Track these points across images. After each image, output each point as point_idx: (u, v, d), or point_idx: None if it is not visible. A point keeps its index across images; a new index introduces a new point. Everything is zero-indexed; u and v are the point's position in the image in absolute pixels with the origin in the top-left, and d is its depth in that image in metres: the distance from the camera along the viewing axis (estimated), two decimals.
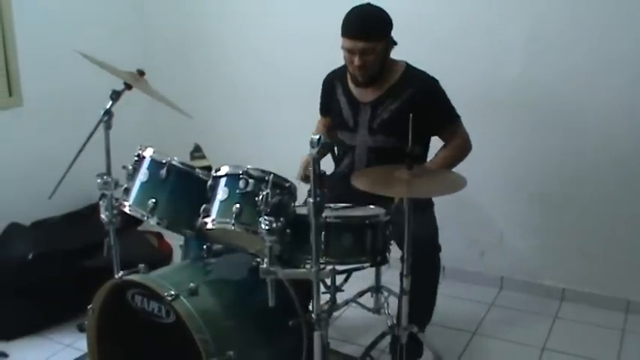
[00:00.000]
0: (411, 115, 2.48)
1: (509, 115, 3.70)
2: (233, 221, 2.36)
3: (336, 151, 3.25)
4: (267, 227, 2.19)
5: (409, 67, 3.04)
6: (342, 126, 3.12)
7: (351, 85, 3.09)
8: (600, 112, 3.50)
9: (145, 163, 2.59)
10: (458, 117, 3.05)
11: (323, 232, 2.38)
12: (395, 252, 2.67)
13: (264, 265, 2.21)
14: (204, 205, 2.45)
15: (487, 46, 3.68)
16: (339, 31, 2.90)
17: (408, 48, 3.02)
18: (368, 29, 2.84)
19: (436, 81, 3.01)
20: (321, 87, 3.28)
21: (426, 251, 2.69)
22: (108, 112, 2.73)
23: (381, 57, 2.91)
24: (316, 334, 2.26)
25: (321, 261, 2.23)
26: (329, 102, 3.22)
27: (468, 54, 3.71)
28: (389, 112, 2.98)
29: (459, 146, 3.06)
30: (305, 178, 2.97)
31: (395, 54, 3.02)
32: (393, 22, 2.93)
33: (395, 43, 2.98)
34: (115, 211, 2.74)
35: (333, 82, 3.18)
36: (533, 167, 3.73)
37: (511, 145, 3.74)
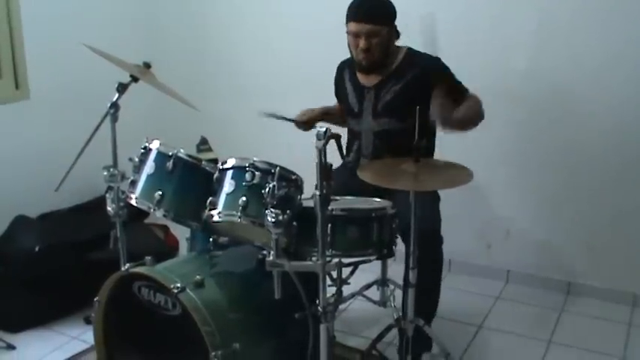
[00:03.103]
0: (417, 107, 2.48)
1: (515, 108, 3.68)
2: (239, 214, 2.35)
3: (342, 146, 3.25)
4: (273, 220, 2.18)
5: (411, 50, 3.08)
6: (349, 112, 3.18)
7: (357, 72, 3.13)
8: (607, 106, 3.49)
9: (152, 156, 2.59)
10: (467, 90, 3.03)
11: (329, 225, 2.37)
12: (400, 245, 2.67)
13: (271, 258, 2.21)
14: (210, 198, 2.45)
15: (494, 39, 3.66)
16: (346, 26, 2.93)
17: (413, 39, 3.02)
18: (374, 12, 2.92)
19: (438, 58, 3.03)
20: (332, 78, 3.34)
21: (429, 244, 2.69)
22: (114, 105, 2.74)
23: (385, 43, 2.96)
24: (322, 327, 2.26)
25: (328, 254, 2.23)
26: (339, 89, 3.29)
27: (475, 46, 3.70)
28: (392, 94, 3.02)
29: (476, 100, 2.99)
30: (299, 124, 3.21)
31: (400, 44, 3.06)
32: (398, 12, 2.98)
33: (398, 35, 3.03)
34: (122, 204, 2.75)
35: (343, 69, 3.25)
36: (540, 160, 3.72)
37: (517, 138, 3.73)
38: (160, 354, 2.57)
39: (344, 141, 3.26)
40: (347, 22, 2.95)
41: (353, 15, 2.93)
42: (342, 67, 3.27)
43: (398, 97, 3.00)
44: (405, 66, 3.03)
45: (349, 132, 3.22)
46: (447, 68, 3.04)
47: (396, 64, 3.05)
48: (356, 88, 3.13)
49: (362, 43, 2.92)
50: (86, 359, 3.12)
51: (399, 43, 3.07)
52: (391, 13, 2.97)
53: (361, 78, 3.12)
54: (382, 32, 2.91)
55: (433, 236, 2.82)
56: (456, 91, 3.00)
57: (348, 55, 3.11)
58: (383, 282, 3.25)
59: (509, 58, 3.65)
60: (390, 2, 2.97)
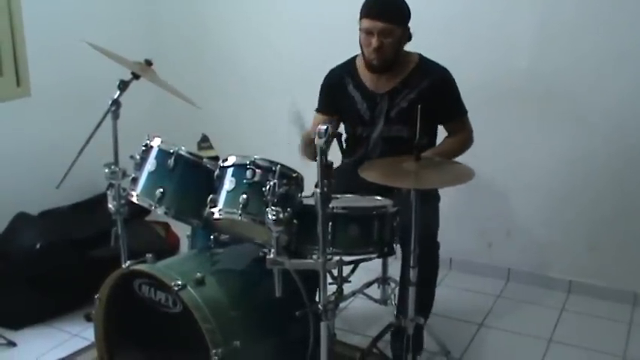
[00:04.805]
0: (419, 106, 2.49)
1: (517, 107, 3.69)
2: (240, 211, 2.36)
3: (343, 143, 3.23)
4: (273, 217, 2.19)
5: (423, 58, 3.06)
6: (357, 120, 3.09)
7: (363, 78, 3.07)
8: (608, 105, 3.49)
9: (153, 153, 2.59)
10: (466, 111, 3.08)
11: (330, 223, 2.37)
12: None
13: (271, 256, 2.21)
14: (211, 195, 2.45)
15: (496, 38, 3.66)
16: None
17: (417, 37, 3.02)
18: (389, 10, 2.87)
19: (450, 73, 3.03)
20: (322, 83, 3.23)
21: (425, 247, 2.68)
22: (116, 102, 2.74)
23: (397, 43, 2.91)
24: (323, 325, 2.26)
25: (328, 252, 2.23)
26: (336, 99, 3.16)
27: (477, 45, 3.70)
28: (407, 102, 2.98)
29: (464, 140, 3.10)
30: (306, 152, 2.88)
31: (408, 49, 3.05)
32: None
33: (410, 37, 3.00)
34: (123, 201, 2.75)
35: (342, 78, 3.13)
36: (541, 159, 3.71)
37: (518, 137, 3.73)
38: (160, 351, 2.57)
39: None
40: (360, 19, 2.88)
41: (367, 11, 2.87)
42: (340, 76, 3.14)
43: (413, 105, 2.86)
44: (419, 74, 3.00)
45: (352, 137, 3.17)
46: (456, 86, 3.04)
47: (409, 72, 3.01)
48: (366, 96, 3.05)
49: (374, 41, 2.85)
50: (87, 356, 3.12)
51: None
52: (406, 13, 2.93)
53: (370, 85, 3.05)
54: (396, 32, 2.86)
55: (429, 242, 2.82)
56: (455, 112, 3.07)
57: (349, 50, 3.09)
58: (384, 280, 3.26)
59: (511, 57, 3.65)
60: (405, 3, 2.94)
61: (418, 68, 3.02)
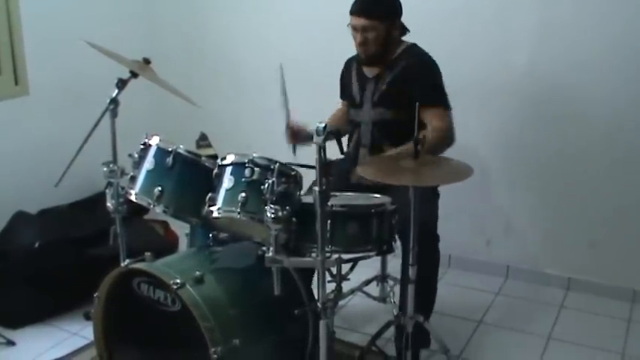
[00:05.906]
0: (417, 103, 2.49)
1: (515, 103, 3.69)
2: (239, 210, 2.36)
3: (342, 143, 3.24)
4: (272, 216, 2.19)
5: (411, 45, 3.09)
6: (351, 103, 3.21)
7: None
8: (607, 101, 3.49)
9: (151, 152, 2.59)
10: (447, 106, 2.97)
11: (329, 221, 2.37)
12: (398, 241, 2.67)
13: (270, 254, 2.21)
14: (210, 194, 2.45)
15: (494, 33, 3.66)
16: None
17: (414, 32, 3.03)
18: (369, 8, 2.95)
19: (432, 61, 3.01)
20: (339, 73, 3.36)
21: (424, 243, 2.68)
22: (114, 101, 2.74)
23: (382, 38, 2.97)
24: (322, 323, 2.26)
25: (327, 250, 2.23)
26: (344, 83, 3.31)
27: (474, 40, 3.69)
28: (385, 85, 3.03)
29: (439, 129, 2.89)
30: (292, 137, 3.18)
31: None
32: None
33: (405, 31, 3.06)
34: (121, 200, 2.75)
35: (351, 63, 3.27)
36: (539, 156, 3.71)
37: (518, 133, 3.73)
38: (159, 350, 2.57)
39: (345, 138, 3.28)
40: (349, 14, 2.97)
41: (352, 9, 2.97)
42: (350, 62, 3.28)
43: (390, 89, 3.01)
44: (399, 59, 3.04)
45: (350, 123, 3.23)
46: (433, 74, 2.99)
47: (393, 57, 3.05)
48: (360, 79, 3.16)
49: (358, 37, 2.97)
50: (86, 355, 3.13)
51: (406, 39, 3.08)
52: (390, 8, 3.00)
53: (365, 70, 3.14)
54: (378, 27, 2.93)
55: (428, 236, 2.82)
56: (428, 97, 2.87)
57: (350, 51, 3.13)
58: (382, 278, 3.26)
59: (509, 53, 3.65)
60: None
61: (401, 54, 3.06)
